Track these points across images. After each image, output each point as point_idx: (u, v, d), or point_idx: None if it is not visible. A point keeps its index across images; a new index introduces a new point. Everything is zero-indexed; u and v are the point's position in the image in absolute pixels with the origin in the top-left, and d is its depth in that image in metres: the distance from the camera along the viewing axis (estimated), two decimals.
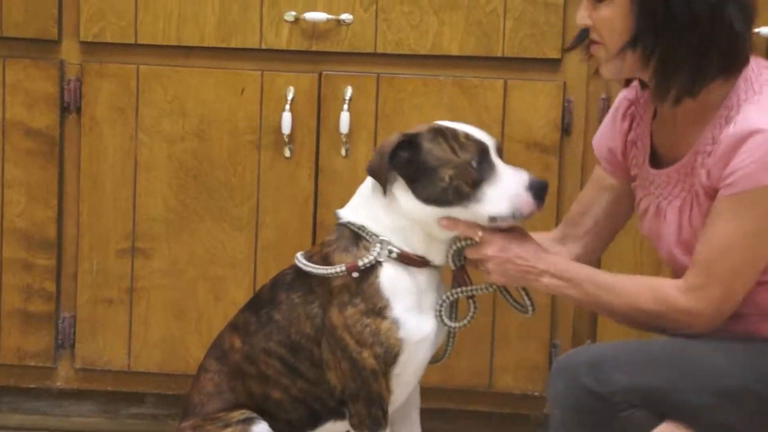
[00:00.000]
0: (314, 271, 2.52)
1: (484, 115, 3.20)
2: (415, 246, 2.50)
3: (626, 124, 2.54)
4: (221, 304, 3.30)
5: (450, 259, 2.51)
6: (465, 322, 2.54)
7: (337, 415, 2.58)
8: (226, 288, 3.30)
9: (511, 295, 2.54)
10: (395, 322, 2.47)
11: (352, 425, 2.55)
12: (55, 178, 3.31)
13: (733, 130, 2.28)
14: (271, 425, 2.59)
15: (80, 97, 3.29)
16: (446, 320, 2.52)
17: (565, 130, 3.22)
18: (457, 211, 2.43)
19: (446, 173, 2.42)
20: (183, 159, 3.28)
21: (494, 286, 2.51)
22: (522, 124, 3.21)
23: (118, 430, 3.37)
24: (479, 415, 3.30)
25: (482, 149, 2.44)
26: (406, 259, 2.49)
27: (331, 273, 2.49)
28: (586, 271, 2.42)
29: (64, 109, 3.30)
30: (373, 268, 2.48)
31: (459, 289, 2.53)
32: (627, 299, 2.37)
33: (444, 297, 2.52)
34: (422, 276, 2.51)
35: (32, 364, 3.37)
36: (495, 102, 3.20)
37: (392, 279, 2.48)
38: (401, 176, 2.46)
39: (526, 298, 2.53)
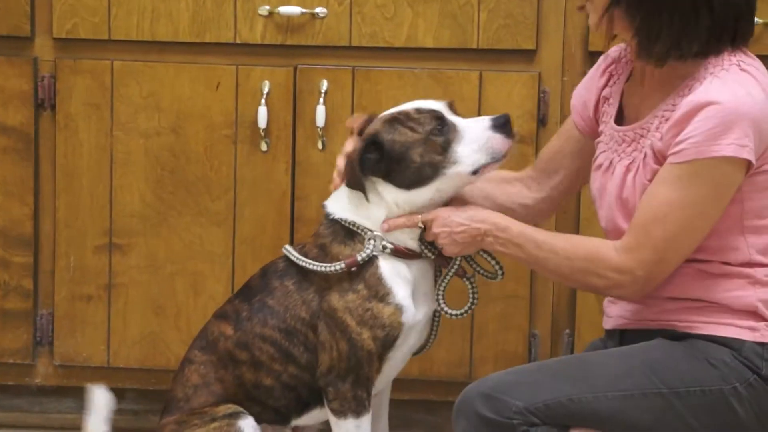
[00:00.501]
0: (312, 267, 2.55)
1: (460, 106, 3.15)
2: (401, 239, 2.54)
3: (603, 80, 2.56)
4: (200, 299, 3.30)
5: (424, 251, 2.55)
6: (467, 308, 2.58)
7: (324, 402, 2.59)
8: (205, 283, 3.30)
9: (477, 264, 2.59)
10: (398, 308, 2.52)
11: (333, 410, 2.56)
12: (31, 175, 3.30)
13: (690, 98, 2.30)
14: (258, 414, 2.60)
15: (54, 94, 3.28)
16: (449, 310, 2.56)
17: (541, 120, 3.23)
18: (440, 183, 2.49)
19: (415, 153, 2.48)
20: (159, 154, 3.27)
21: (458, 260, 2.55)
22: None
23: None
24: None
25: (436, 116, 2.50)
26: (399, 253, 2.53)
27: (331, 270, 2.53)
28: (526, 231, 2.45)
29: (39, 106, 3.29)
30: (372, 260, 2.52)
31: (441, 277, 2.57)
32: (563, 255, 2.39)
33: (437, 288, 2.57)
34: (416, 266, 2.56)
35: (10, 361, 3.36)
36: (470, 93, 3.21)
37: (391, 270, 2.53)
38: (377, 176, 2.50)
39: (492, 261, 2.57)
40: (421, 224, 2.51)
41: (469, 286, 2.58)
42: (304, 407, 2.63)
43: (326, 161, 3.24)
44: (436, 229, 2.49)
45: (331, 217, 2.58)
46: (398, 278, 2.53)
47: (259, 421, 2.61)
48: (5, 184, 3.30)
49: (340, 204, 2.58)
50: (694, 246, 2.35)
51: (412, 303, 2.54)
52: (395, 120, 2.52)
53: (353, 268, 2.52)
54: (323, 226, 2.60)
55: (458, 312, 2.56)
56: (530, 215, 2.68)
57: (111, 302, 3.32)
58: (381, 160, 2.49)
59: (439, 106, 2.54)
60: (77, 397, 3.38)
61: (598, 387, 2.33)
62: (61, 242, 3.32)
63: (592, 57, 3.20)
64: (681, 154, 2.30)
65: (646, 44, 2.35)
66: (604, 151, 2.49)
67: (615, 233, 2.43)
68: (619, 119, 2.50)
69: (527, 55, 3.22)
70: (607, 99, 2.55)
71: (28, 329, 3.35)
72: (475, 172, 2.49)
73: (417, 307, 2.55)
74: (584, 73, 3.16)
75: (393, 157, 2.49)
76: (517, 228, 2.45)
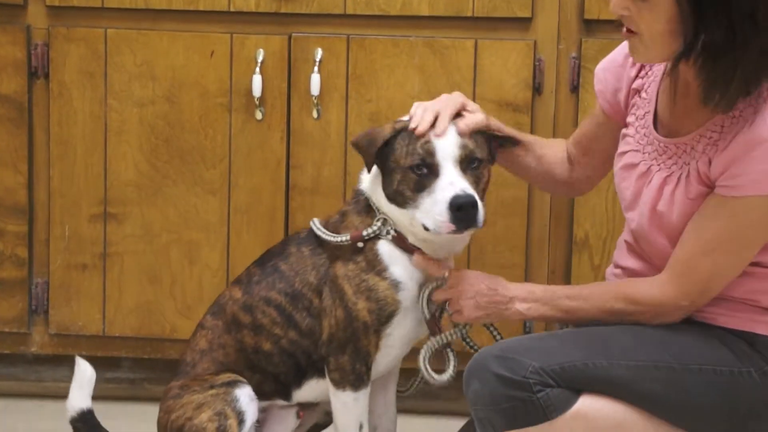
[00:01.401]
0: (324, 236, 2.56)
1: (456, 75, 3.20)
2: (408, 233, 2.51)
3: (634, 71, 2.49)
4: (195, 268, 3.30)
5: (423, 306, 2.53)
6: (448, 375, 2.54)
7: (321, 372, 2.60)
8: (200, 252, 3.30)
9: (471, 340, 2.56)
10: (394, 284, 2.51)
11: (333, 380, 2.56)
12: (25, 144, 3.29)
13: (748, 131, 2.24)
14: (259, 384, 2.61)
15: (48, 62, 3.26)
16: (432, 375, 2.53)
17: (537, 89, 3.21)
18: (407, 213, 2.46)
19: (396, 176, 2.45)
20: (154, 123, 3.26)
21: (465, 327, 2.53)
22: (493, 83, 3.20)
23: (94, 394, 3.32)
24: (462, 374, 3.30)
25: (425, 157, 2.42)
26: (398, 242, 2.52)
27: (338, 241, 2.54)
28: (552, 288, 2.44)
29: (32, 75, 3.28)
30: (376, 237, 2.53)
31: (435, 339, 2.54)
32: (596, 302, 2.39)
33: (423, 350, 2.54)
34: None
35: (6, 330, 3.36)
36: (466, 62, 3.19)
37: (390, 252, 2.53)
38: (379, 167, 2.50)
39: (494, 334, 2.55)
40: (446, 275, 2.47)
41: (452, 357, 2.55)
42: (302, 377, 2.63)
43: (321, 130, 3.23)
44: (460, 287, 2.45)
45: (359, 186, 2.59)
46: (396, 260, 2.52)
47: (261, 393, 2.61)
48: None
49: (368, 176, 2.57)
50: (739, 272, 2.33)
51: (412, 285, 2.53)
52: (410, 135, 2.45)
53: (359, 243, 2.53)
54: (353, 192, 2.61)
55: (442, 379, 2.53)
56: (569, 191, 2.71)
57: (106, 271, 3.32)
58: (384, 159, 2.48)
59: (445, 149, 2.42)
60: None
61: (612, 355, 2.32)
62: (56, 211, 3.31)
63: (587, 25, 3.19)
64: (736, 188, 2.26)
65: (713, 95, 2.26)
66: (636, 151, 2.44)
67: (645, 242, 2.42)
68: (654, 122, 2.44)
69: (523, 23, 3.20)
70: (638, 91, 2.48)
71: (24, 298, 3.35)
72: (426, 229, 2.43)
73: (417, 293, 2.53)
74: (579, 41, 3.18)
75: (388, 164, 2.47)
76: (542, 289, 2.44)
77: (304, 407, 2.70)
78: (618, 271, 2.54)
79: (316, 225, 2.60)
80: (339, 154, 3.24)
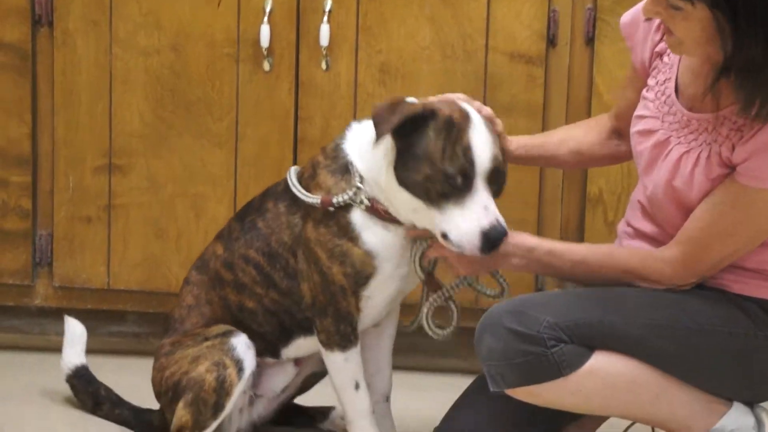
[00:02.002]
0: (296, 193, 2.52)
1: (467, 26, 3.14)
2: (392, 204, 2.46)
3: (658, 36, 2.44)
4: (201, 222, 3.26)
5: (416, 266, 2.49)
6: (452, 328, 2.53)
7: (307, 331, 2.58)
8: (206, 205, 3.25)
9: (481, 284, 2.53)
10: (369, 254, 2.47)
11: (321, 342, 2.56)
12: (29, 93, 3.25)
13: None
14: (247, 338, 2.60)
15: (52, 10, 3.21)
16: (434, 330, 2.51)
17: (551, 40, 3.15)
18: (421, 210, 2.39)
19: (425, 170, 2.36)
20: (159, 73, 3.21)
21: (466, 279, 2.50)
22: (506, 34, 3.14)
23: (99, 348, 3.33)
24: (468, 331, 3.20)
25: (467, 170, 2.34)
26: (373, 212, 2.47)
27: (308, 201, 2.50)
28: (556, 248, 2.40)
29: (36, 22, 3.22)
30: (348, 206, 2.47)
31: (435, 295, 2.52)
32: (602, 274, 2.37)
33: (424, 308, 2.51)
34: (392, 225, 2.49)
35: (9, 282, 3.33)
36: (478, 12, 3.13)
37: (362, 221, 2.48)
38: (395, 142, 2.41)
39: (500, 280, 2.51)
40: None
41: (454, 309, 2.53)
42: (288, 335, 2.61)
43: (330, 81, 3.18)
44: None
45: (342, 143, 2.52)
46: (369, 228, 2.47)
47: None
48: (2, 102, 3.24)
49: (356, 135, 2.50)
50: (751, 251, 2.34)
51: (387, 252, 2.47)
52: (450, 127, 2.36)
53: (329, 208, 2.47)
54: (333, 145, 2.54)
55: (443, 333, 2.53)
56: (615, 162, 2.69)
57: (111, 224, 3.27)
58: (409, 137, 2.38)
59: (484, 164, 2.35)
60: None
61: (628, 314, 2.31)
62: (60, 162, 3.27)
63: None
64: (758, 180, 2.24)
65: (752, 107, 2.22)
66: (655, 118, 2.40)
67: (659, 209, 2.40)
68: (675, 90, 2.40)
69: None
70: (660, 55, 2.44)
71: (27, 249, 3.31)
72: (443, 236, 2.37)
73: (395, 261, 2.49)
74: None
75: (414, 148, 2.37)
76: (547, 246, 2.40)
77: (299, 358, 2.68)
78: (630, 230, 2.52)
79: (291, 178, 2.54)
80: (348, 106, 3.19)
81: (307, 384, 2.80)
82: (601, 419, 2.62)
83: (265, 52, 3.17)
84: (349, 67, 3.17)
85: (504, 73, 3.14)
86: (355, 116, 3.18)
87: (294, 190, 2.52)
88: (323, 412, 2.89)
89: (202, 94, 3.21)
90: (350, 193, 2.47)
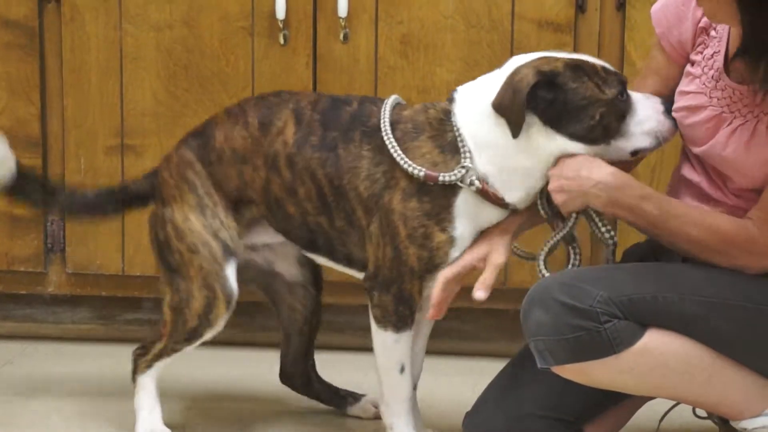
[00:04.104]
0: (394, 155, 2.40)
1: None
2: (507, 183, 2.38)
3: (700, 12, 2.37)
4: None
5: (541, 207, 2.41)
6: (569, 267, 2.42)
7: (332, 255, 2.52)
8: None
9: (597, 224, 2.39)
10: (451, 240, 2.40)
11: (374, 317, 2.47)
12: (37, 72, 3.18)
13: None
14: (268, 216, 2.55)
15: None
16: (544, 270, 2.39)
17: (580, 6, 3.06)
18: (599, 149, 2.35)
19: (597, 111, 2.34)
20: (171, 48, 3.13)
21: (575, 216, 2.37)
22: (533, 1, 3.05)
23: (114, 336, 3.26)
24: (495, 312, 3.18)
25: (621, 80, 2.37)
26: (483, 194, 2.38)
27: (410, 171, 2.39)
28: (653, 196, 2.31)
29: None
30: (453, 186, 2.38)
31: (553, 234, 2.42)
32: (681, 226, 2.28)
33: (545, 246, 2.41)
34: (493, 212, 2.41)
35: (22, 269, 3.26)
36: None
37: (465, 205, 2.39)
38: (539, 117, 2.33)
39: (603, 230, 2.37)
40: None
41: (572, 255, 2.41)
42: (314, 250, 2.54)
43: (349, 54, 3.09)
44: (549, 172, 2.35)
45: (454, 116, 2.40)
46: (467, 216, 2.39)
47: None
48: (10, 82, 3.17)
49: (474, 108, 2.39)
50: None
51: (466, 242, 2.41)
52: (581, 69, 2.35)
53: (431, 183, 2.38)
54: (439, 112, 2.42)
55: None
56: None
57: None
58: (553, 103, 2.32)
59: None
60: (92, 306, 3.30)
61: (683, 290, 2.24)
62: (71, 143, 3.18)
63: None
64: None
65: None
66: (702, 93, 2.34)
67: (715, 172, 2.34)
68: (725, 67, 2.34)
69: None
70: (705, 30, 2.37)
71: (39, 236, 3.23)
72: (634, 153, 2.37)
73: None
74: None
75: (570, 105, 2.32)
76: (639, 191, 2.29)
77: None
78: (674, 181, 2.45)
79: (386, 126, 2.42)
80: (368, 80, 3.09)
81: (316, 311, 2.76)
82: (623, 418, 2.54)
83: (281, 25, 3.08)
84: (369, 38, 3.08)
85: (532, 41, 3.04)
86: (376, 90, 3.07)
87: (392, 150, 2.40)
88: (355, 396, 2.83)
89: (216, 70, 3.12)
90: (462, 172, 2.37)
